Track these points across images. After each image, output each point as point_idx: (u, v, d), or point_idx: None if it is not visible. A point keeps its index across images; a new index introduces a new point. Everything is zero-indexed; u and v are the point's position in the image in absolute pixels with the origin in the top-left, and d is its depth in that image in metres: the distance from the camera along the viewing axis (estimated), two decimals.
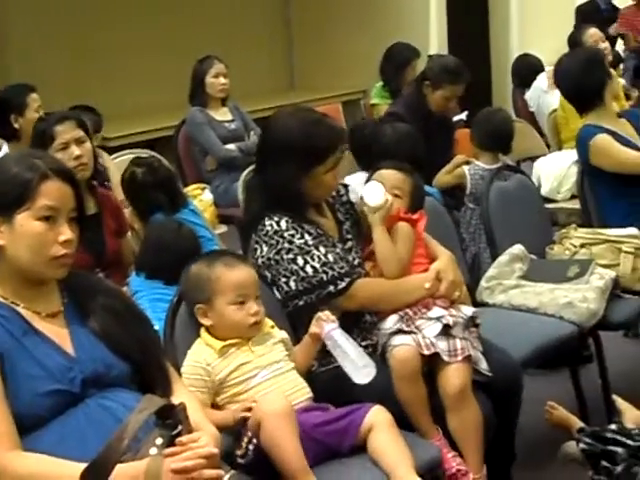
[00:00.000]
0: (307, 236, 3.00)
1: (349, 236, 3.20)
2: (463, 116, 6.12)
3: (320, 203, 3.18)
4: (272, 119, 3.24)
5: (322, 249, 3.00)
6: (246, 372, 2.72)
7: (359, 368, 2.72)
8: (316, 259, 2.98)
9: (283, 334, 2.87)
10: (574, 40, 6.95)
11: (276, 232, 2.99)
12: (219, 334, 2.77)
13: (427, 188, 4.58)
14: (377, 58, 7.17)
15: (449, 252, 3.29)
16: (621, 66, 8.33)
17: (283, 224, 2.99)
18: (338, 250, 3.08)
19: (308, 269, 2.97)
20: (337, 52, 9.06)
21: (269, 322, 2.85)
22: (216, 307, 2.76)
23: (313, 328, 2.83)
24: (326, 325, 2.79)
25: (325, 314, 2.83)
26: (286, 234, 2.99)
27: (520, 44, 9.38)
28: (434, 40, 8.72)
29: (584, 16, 8.38)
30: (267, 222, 3.00)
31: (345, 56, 8.99)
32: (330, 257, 3.00)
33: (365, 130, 4.92)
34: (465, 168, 5.00)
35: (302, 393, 2.77)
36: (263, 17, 9.19)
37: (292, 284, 2.98)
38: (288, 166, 3.00)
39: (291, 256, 2.97)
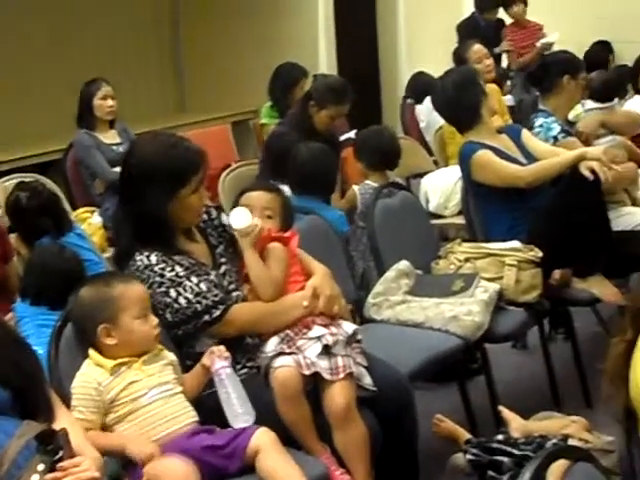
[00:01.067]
0: (178, 268, 2.99)
1: (223, 260, 3.19)
2: (352, 134, 6.16)
3: (190, 228, 3.17)
4: (130, 148, 3.27)
5: (194, 279, 3.00)
6: (136, 391, 2.71)
7: (238, 414, 2.75)
8: (188, 290, 2.97)
9: (172, 356, 2.87)
10: (459, 57, 7.06)
11: (147, 267, 2.97)
12: (121, 352, 2.76)
13: (329, 208, 4.68)
14: (267, 78, 7.19)
15: (324, 267, 3.30)
16: (508, 82, 8.52)
17: (153, 258, 2.98)
18: (212, 277, 3.07)
19: (181, 301, 2.96)
20: (227, 73, 9.06)
21: (158, 345, 2.85)
22: (122, 324, 2.76)
23: (205, 360, 2.85)
24: (217, 361, 2.81)
25: (219, 349, 2.84)
26: (156, 268, 2.97)
27: (409, 62, 9.50)
28: (323, 60, 8.79)
29: (464, 33, 8.51)
30: (137, 257, 2.99)
31: (235, 76, 8.99)
32: (203, 286, 3.00)
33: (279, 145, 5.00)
34: (355, 187, 5.06)
35: (188, 416, 2.77)
36: (152, 38, 9.15)
37: (168, 316, 2.98)
38: (152, 192, 2.99)
39: (163, 289, 2.96)
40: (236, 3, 8.96)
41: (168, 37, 9.43)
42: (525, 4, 9.15)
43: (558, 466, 1.87)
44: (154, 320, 2.80)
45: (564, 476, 1.89)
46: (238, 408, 2.75)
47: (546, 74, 5.20)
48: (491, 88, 6.00)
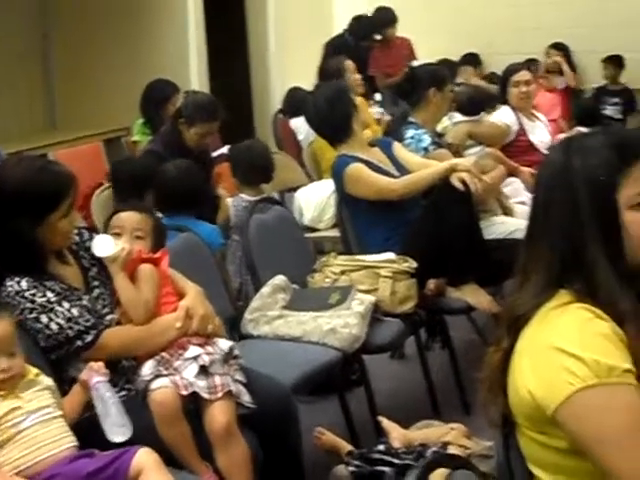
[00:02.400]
0: (49, 293, 2.94)
1: (96, 283, 3.14)
2: (225, 150, 6.17)
3: (62, 251, 3.11)
4: None
5: (66, 304, 2.95)
6: (15, 417, 2.64)
7: (116, 426, 2.72)
8: (60, 315, 2.92)
9: (49, 381, 2.81)
10: (325, 72, 7.13)
11: (17, 293, 2.91)
12: None
13: (201, 223, 4.64)
14: (139, 95, 7.13)
15: (197, 286, 3.28)
16: (376, 96, 8.63)
17: (24, 284, 2.92)
18: (84, 302, 3.02)
19: (53, 326, 2.91)
20: (99, 90, 8.92)
21: (33, 370, 2.78)
22: None
23: (82, 375, 2.81)
24: (95, 376, 2.77)
25: (98, 365, 2.80)
26: (27, 294, 2.92)
27: (280, 78, 9.55)
28: (194, 76, 8.75)
29: (334, 50, 8.59)
30: (8, 283, 2.93)
31: (107, 93, 8.86)
32: (75, 311, 2.95)
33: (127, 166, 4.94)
34: (229, 201, 5.05)
35: (67, 441, 2.71)
36: (20, 55, 8.95)
37: (41, 342, 2.93)
38: (20, 217, 2.93)
39: (35, 315, 2.91)
40: (107, 19, 8.84)
41: (38, 54, 9.23)
42: (394, 26, 9.33)
43: (437, 475, 1.89)
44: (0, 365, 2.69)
45: None
46: (116, 421, 2.72)
47: (414, 87, 5.29)
48: (359, 101, 6.08)
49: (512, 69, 6.31)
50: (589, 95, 9.73)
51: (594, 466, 1.91)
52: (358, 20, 9.26)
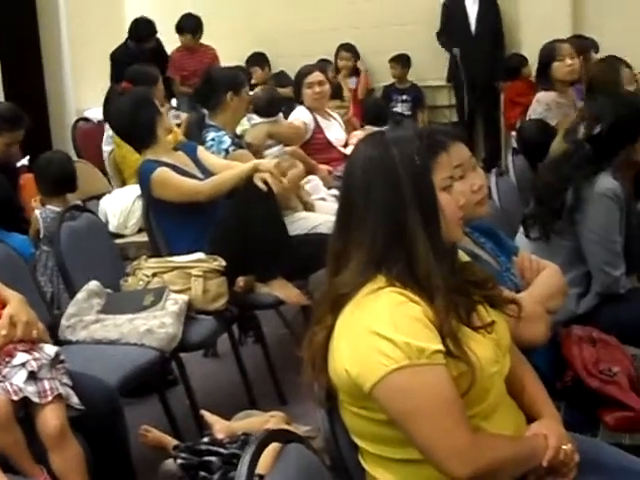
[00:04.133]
0: None
1: None
2: (25, 161, 6.11)
3: None
4: None
5: None
6: None
7: None
8: None
9: None
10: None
11: None
12: None
13: (10, 234, 4.60)
14: None
15: (18, 294, 3.27)
16: (173, 102, 8.69)
17: None
18: None
19: None
20: None
21: None
22: None
23: None
24: None
25: None
26: None
27: (75, 88, 9.50)
28: None
29: (118, 60, 8.56)
30: None
31: None
32: None
33: None
34: (37, 212, 5.02)
35: None
36: None
37: None
38: None
39: None
40: None
41: None
42: (199, 31, 9.40)
43: (270, 450, 2.02)
44: None
45: (276, 459, 2.05)
46: None
47: (210, 91, 5.40)
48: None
49: (305, 71, 6.43)
50: (379, 94, 10.08)
51: (407, 439, 2.10)
52: (136, 23, 9.18)
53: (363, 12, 10.05)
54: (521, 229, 3.96)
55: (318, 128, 6.26)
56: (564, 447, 2.26)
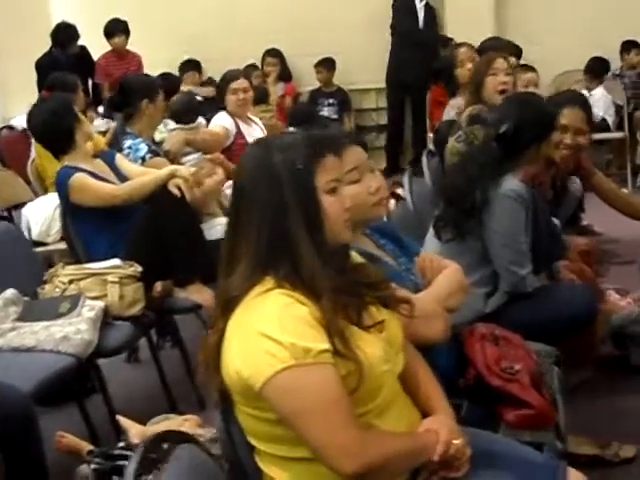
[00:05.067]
0: None
1: None
2: None
3: None
4: None
5: None
6: None
7: None
8: None
9: None
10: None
11: None
12: None
13: None
14: None
15: None
16: (99, 109, 8.68)
17: None
18: None
19: None
20: None
21: None
22: None
23: None
24: None
25: None
26: None
27: (2, 93, 9.45)
28: None
29: (44, 69, 8.51)
30: None
31: None
32: None
33: None
34: None
35: None
36: None
37: None
38: None
39: None
40: None
41: None
42: (127, 35, 9.37)
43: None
44: None
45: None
46: None
47: (126, 99, 5.43)
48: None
49: (230, 76, 6.44)
50: (305, 98, 10.15)
51: (297, 438, 2.14)
52: (57, 29, 9.18)
53: (291, 16, 10.12)
54: (431, 230, 4.00)
55: (240, 133, 6.27)
56: (455, 442, 2.32)
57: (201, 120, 6.25)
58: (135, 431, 3.45)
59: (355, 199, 2.74)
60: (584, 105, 4.70)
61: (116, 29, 9.33)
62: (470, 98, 5.72)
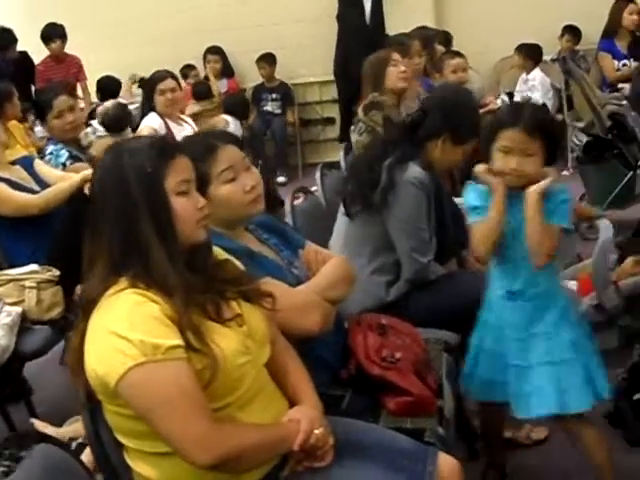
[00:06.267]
0: None
1: None
2: None
3: None
4: None
5: None
6: None
7: None
8: None
9: None
10: None
11: None
12: None
13: None
14: None
15: None
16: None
17: None
18: None
19: None
20: None
21: None
22: None
23: None
24: None
25: None
26: None
27: None
28: None
29: None
30: None
31: None
32: None
33: None
34: None
35: None
36: None
37: None
38: None
39: None
40: None
41: None
42: (64, 40, 9.38)
43: None
44: None
45: None
46: None
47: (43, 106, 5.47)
48: (12, 124, 6.22)
49: (157, 77, 6.50)
50: (249, 94, 10.20)
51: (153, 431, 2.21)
52: None
53: (231, 14, 10.16)
54: (340, 212, 4.00)
55: (170, 133, 6.31)
56: (316, 431, 2.40)
57: (129, 130, 6.29)
58: (50, 432, 3.50)
59: (230, 198, 2.83)
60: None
61: (53, 34, 9.27)
62: (371, 90, 5.68)
